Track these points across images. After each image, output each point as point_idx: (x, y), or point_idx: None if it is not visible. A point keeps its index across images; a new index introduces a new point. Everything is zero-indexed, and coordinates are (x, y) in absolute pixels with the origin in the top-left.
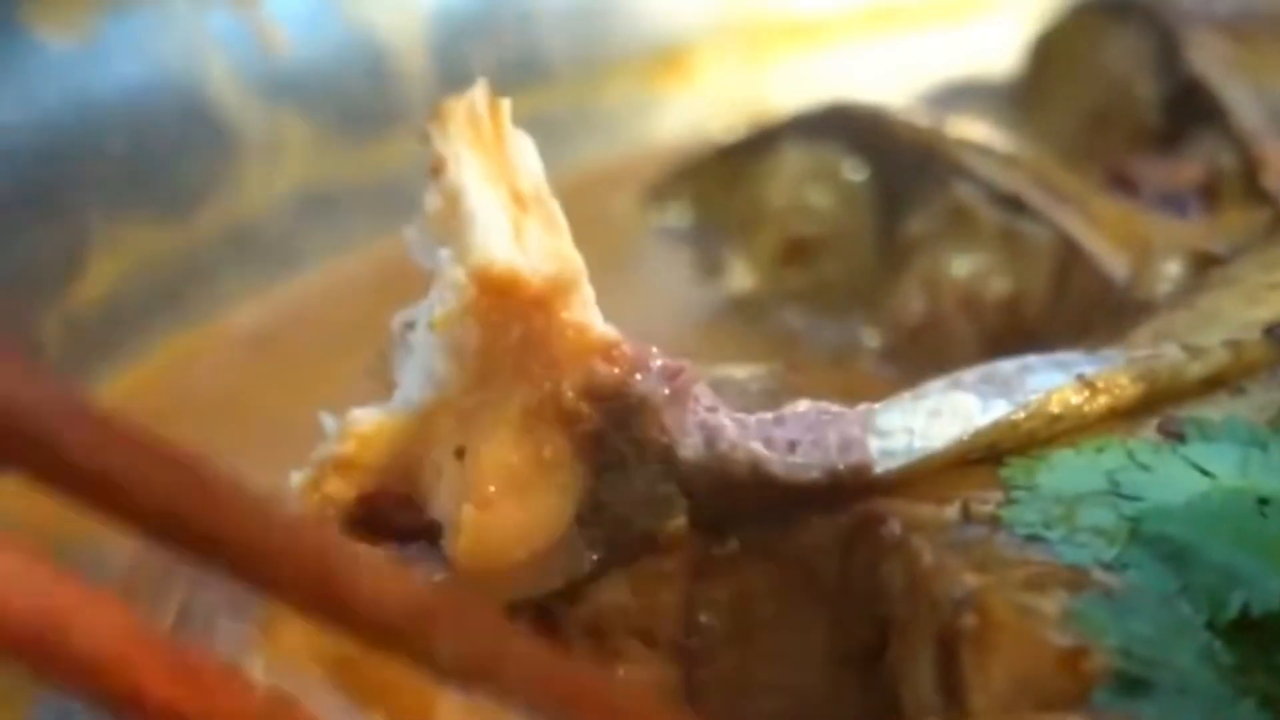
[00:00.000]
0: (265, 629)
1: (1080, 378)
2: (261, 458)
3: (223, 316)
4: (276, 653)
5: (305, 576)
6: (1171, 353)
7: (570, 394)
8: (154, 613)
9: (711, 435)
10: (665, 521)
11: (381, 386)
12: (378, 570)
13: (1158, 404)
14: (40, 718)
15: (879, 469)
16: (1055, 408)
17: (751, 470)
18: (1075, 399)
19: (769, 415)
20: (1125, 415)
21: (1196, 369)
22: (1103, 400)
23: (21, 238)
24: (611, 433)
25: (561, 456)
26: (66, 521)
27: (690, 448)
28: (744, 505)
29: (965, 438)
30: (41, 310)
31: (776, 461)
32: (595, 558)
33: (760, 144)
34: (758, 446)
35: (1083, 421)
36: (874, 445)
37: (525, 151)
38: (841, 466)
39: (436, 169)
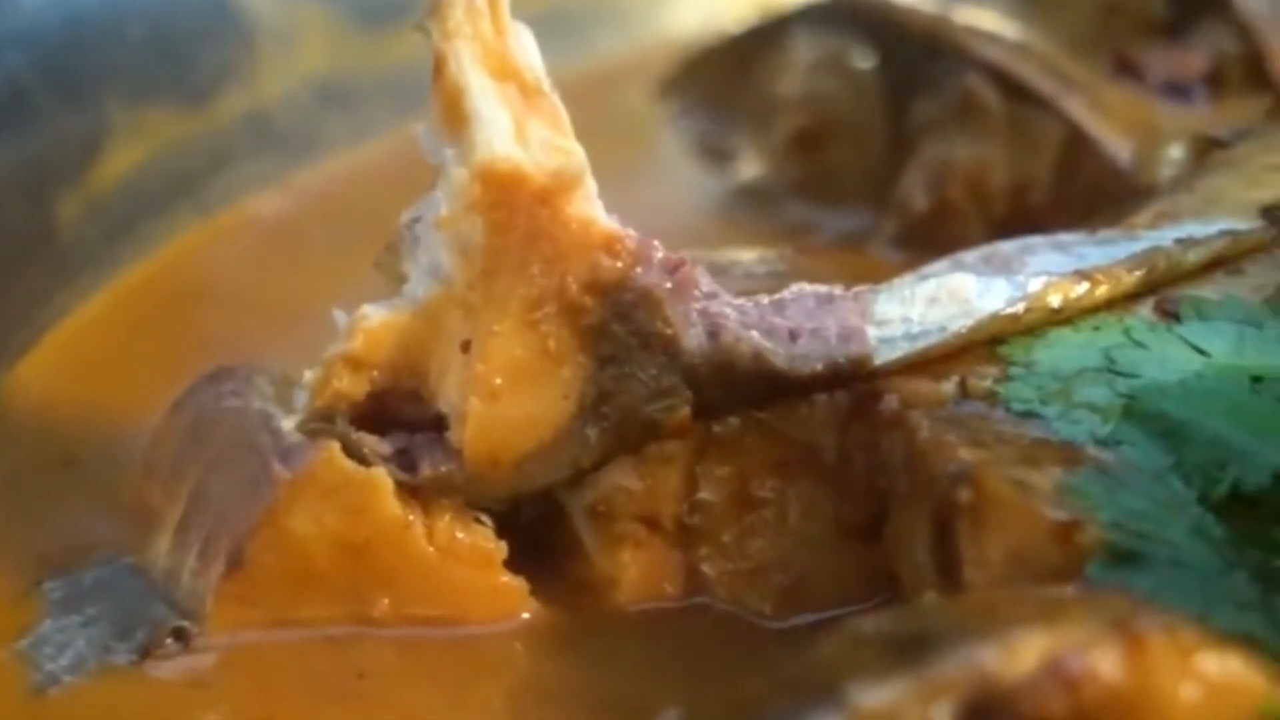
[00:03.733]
0: (272, 512)
1: (1079, 272)
2: (279, 344)
3: (242, 204)
4: (282, 535)
5: None
6: (1170, 242)
7: (574, 287)
8: (168, 496)
9: (714, 326)
10: (669, 412)
11: (390, 281)
12: None
13: (1156, 288)
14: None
15: (878, 360)
16: (1055, 300)
17: (754, 361)
18: (1074, 291)
19: (768, 300)
20: (1123, 300)
21: (1194, 257)
22: (1102, 291)
23: (43, 123)
24: (615, 325)
25: (566, 349)
26: (78, 429)
27: (693, 338)
28: (746, 393)
29: (964, 330)
30: (62, 194)
31: (778, 353)
32: (600, 446)
33: (770, 34)
34: (759, 337)
35: (1081, 311)
36: (872, 334)
37: (526, 45)
38: (842, 359)
39: (438, 66)
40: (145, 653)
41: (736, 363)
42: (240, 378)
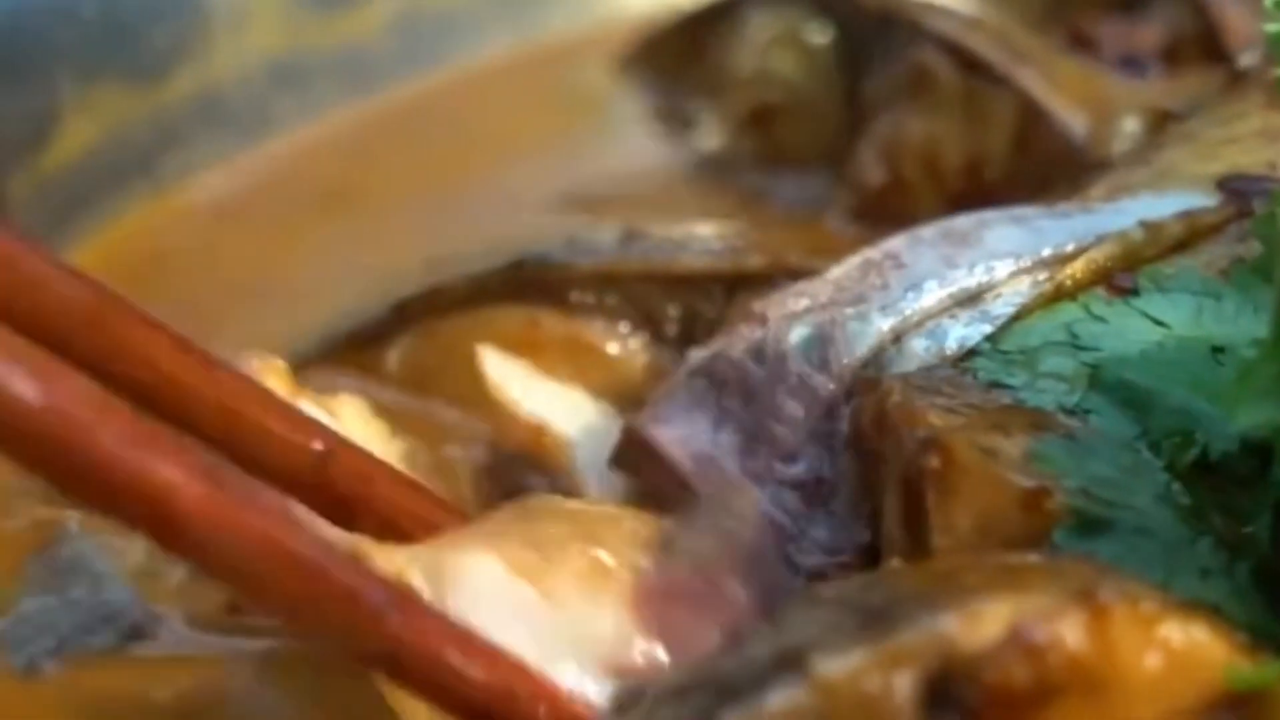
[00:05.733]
0: None
1: (1036, 280)
2: (233, 316)
3: (194, 182)
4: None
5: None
6: (1133, 226)
7: None
8: None
9: None
10: None
11: None
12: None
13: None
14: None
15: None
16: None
17: None
18: (1034, 292)
19: None
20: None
21: (1152, 249)
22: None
23: None
24: None
25: None
26: None
27: None
28: None
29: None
30: (12, 173)
31: None
32: None
33: (725, 11)
34: None
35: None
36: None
37: None
38: None
39: None
40: (130, 641)
41: None
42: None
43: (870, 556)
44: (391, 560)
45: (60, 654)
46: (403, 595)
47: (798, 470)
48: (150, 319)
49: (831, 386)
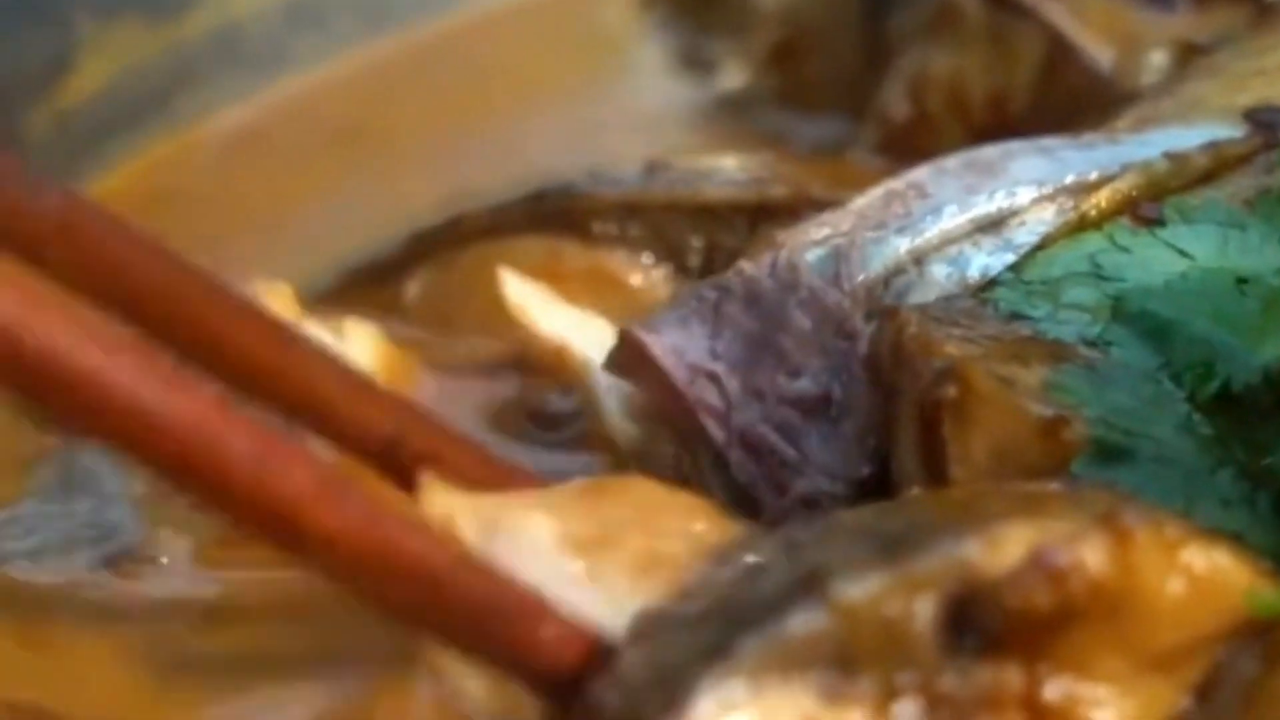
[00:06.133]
0: None
1: (1061, 208)
2: (250, 245)
3: (211, 118)
4: None
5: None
6: (1158, 158)
7: None
8: None
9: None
10: None
11: None
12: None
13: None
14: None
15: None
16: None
17: None
18: (1058, 220)
19: None
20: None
21: (1178, 180)
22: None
23: (11, 39)
24: None
25: None
26: None
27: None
28: None
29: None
30: (31, 110)
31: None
32: None
33: None
34: None
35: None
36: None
37: None
38: None
39: None
40: (110, 565)
41: None
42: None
43: (863, 492)
44: (444, 504)
45: (38, 560)
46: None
47: (801, 385)
48: (228, 293)
49: (845, 303)
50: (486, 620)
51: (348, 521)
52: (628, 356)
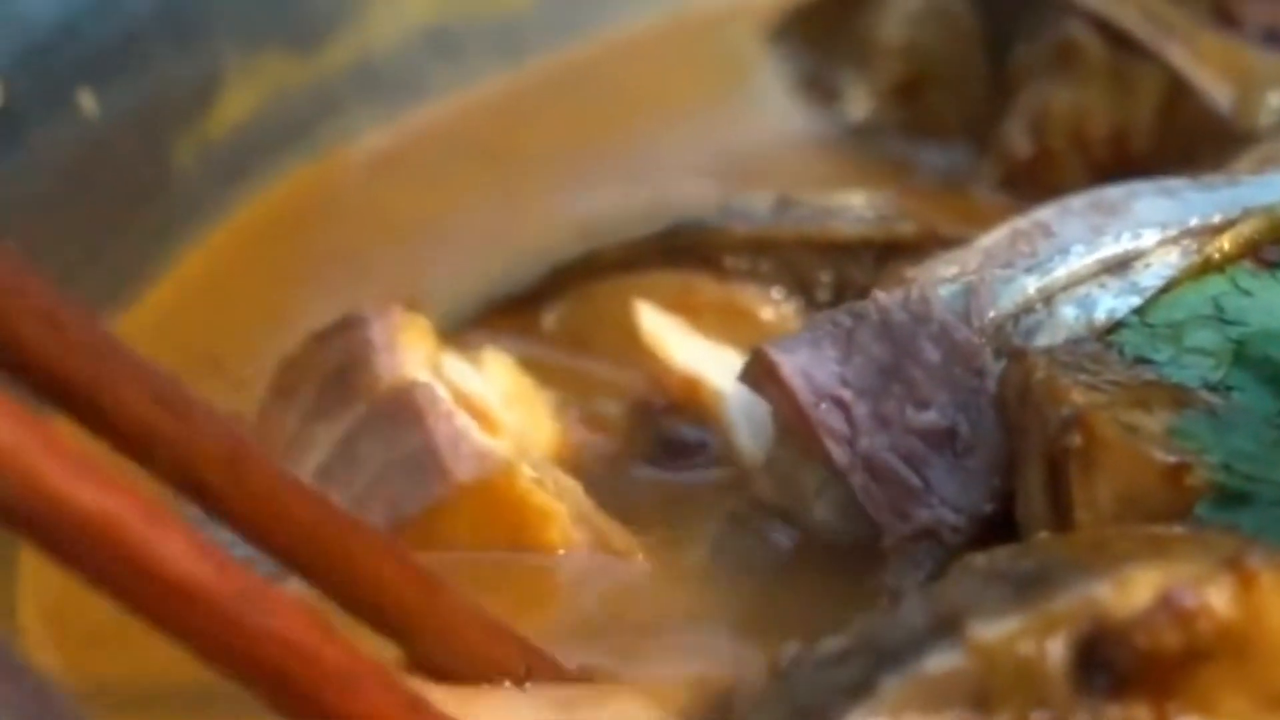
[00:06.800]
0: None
1: (1185, 249)
2: (396, 258)
3: (351, 145)
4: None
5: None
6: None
7: None
8: (306, 430)
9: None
10: None
11: None
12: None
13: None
14: None
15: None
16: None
17: None
18: (1183, 263)
19: None
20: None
21: None
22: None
23: (158, 67)
24: None
25: None
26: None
27: None
28: None
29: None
30: (179, 138)
31: None
32: None
33: None
34: None
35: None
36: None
37: None
38: None
39: None
40: None
41: None
42: (389, 325)
43: (984, 528)
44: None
45: None
46: None
47: (929, 417)
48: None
49: (975, 339)
50: None
51: None
52: (759, 373)
